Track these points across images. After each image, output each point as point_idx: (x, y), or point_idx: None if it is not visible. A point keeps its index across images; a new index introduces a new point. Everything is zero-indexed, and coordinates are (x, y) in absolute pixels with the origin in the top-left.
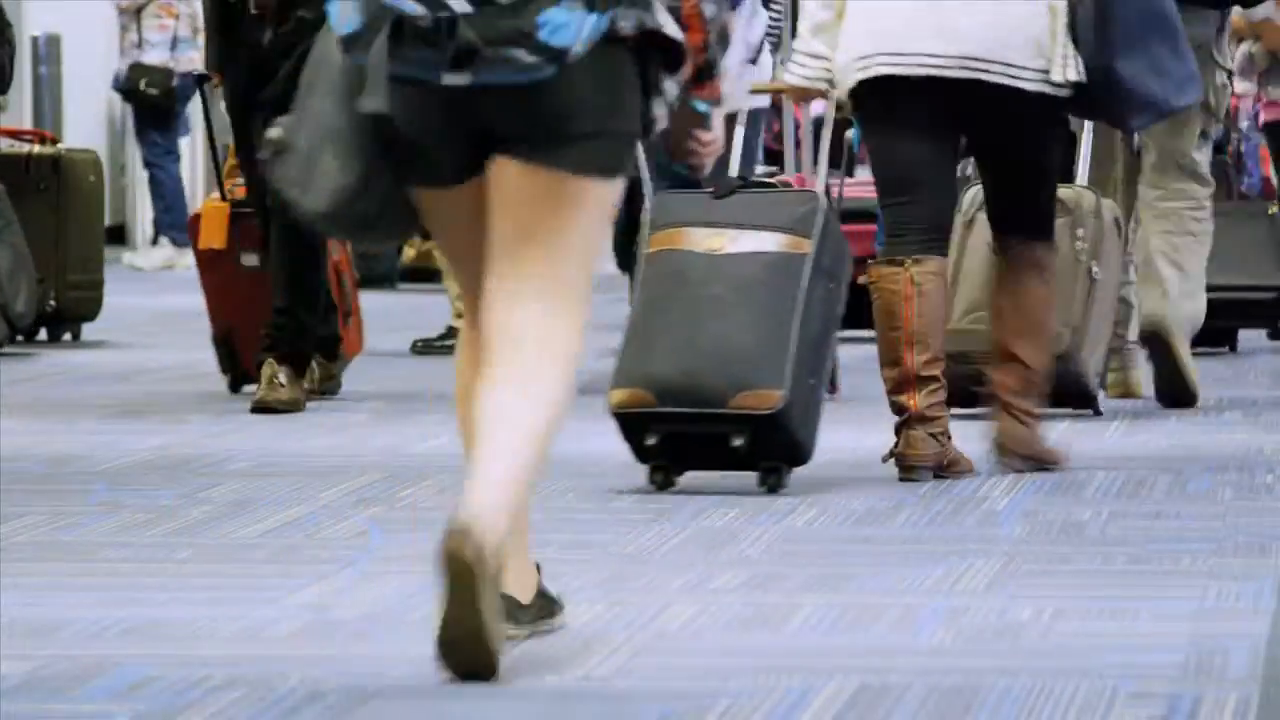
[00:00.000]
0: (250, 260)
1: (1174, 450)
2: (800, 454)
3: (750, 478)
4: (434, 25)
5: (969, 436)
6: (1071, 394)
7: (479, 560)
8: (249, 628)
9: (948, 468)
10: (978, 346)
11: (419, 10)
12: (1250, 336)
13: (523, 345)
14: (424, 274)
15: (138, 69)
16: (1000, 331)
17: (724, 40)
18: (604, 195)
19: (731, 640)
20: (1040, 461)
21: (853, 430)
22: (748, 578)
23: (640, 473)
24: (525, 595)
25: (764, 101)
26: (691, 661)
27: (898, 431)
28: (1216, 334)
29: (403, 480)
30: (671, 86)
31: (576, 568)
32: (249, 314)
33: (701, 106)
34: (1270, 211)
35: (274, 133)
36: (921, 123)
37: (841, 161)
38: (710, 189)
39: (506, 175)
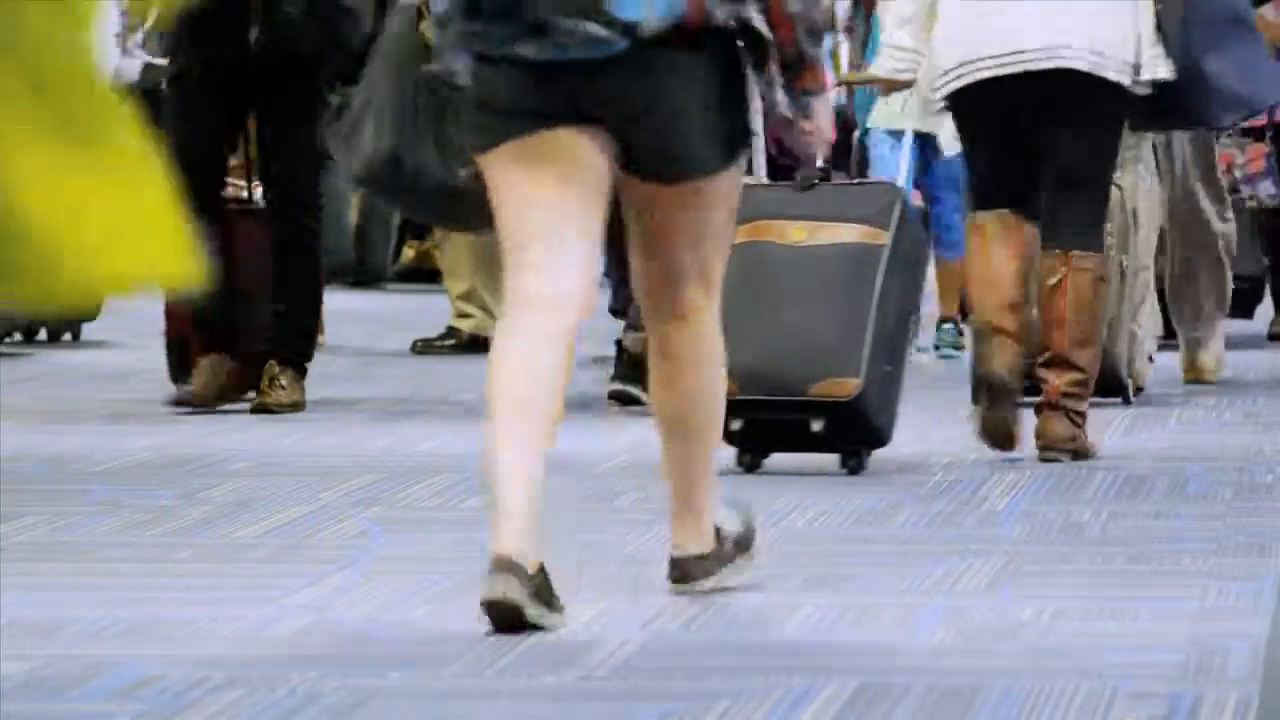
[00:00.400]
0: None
1: (1174, 450)
2: (878, 438)
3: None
4: (514, 1)
5: (1026, 418)
6: (1104, 384)
7: (520, 596)
8: (249, 628)
9: (1080, 450)
10: None
11: None
12: (1249, 337)
13: (671, 322)
14: (423, 274)
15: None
16: (1056, 335)
17: (813, 34)
18: (729, 181)
19: (731, 640)
20: (1082, 454)
21: None
22: (748, 578)
23: (640, 472)
24: (706, 546)
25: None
26: (691, 661)
27: (1038, 412)
28: None
29: (403, 480)
30: (772, 76)
31: (577, 568)
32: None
33: (792, 99)
34: (1248, 205)
35: (339, 97)
36: (1012, 124)
37: (850, 163)
38: (792, 183)
39: (638, 192)
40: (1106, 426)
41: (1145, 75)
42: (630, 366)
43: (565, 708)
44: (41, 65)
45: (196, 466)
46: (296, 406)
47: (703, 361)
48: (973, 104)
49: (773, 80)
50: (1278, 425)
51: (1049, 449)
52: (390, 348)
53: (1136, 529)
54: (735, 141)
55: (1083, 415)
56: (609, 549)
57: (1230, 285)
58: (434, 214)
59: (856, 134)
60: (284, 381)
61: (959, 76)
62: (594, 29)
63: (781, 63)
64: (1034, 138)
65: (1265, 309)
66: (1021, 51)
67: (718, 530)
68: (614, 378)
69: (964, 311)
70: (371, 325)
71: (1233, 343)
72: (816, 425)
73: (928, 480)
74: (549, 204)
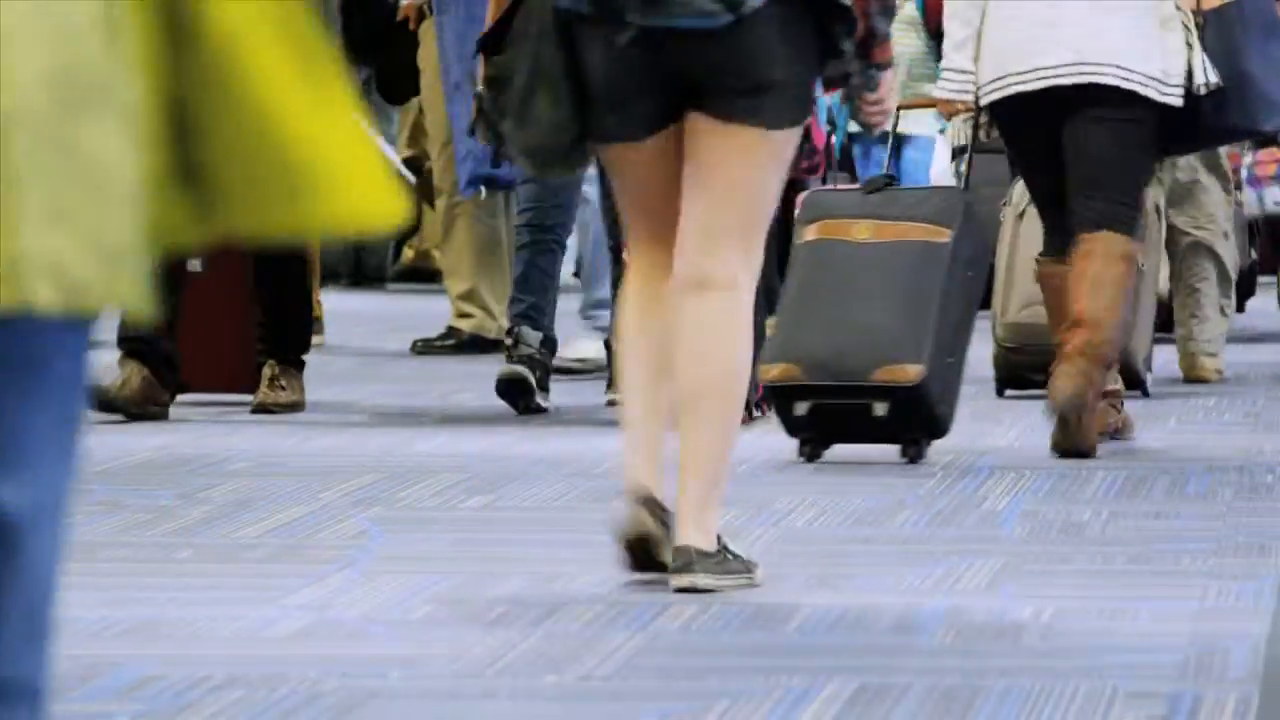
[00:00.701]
0: (195, 266)
1: (1174, 450)
2: (939, 427)
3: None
4: None
5: (1027, 416)
6: (1124, 377)
7: (648, 532)
8: (249, 628)
9: (1119, 431)
10: (1034, 339)
11: None
12: (1249, 336)
13: (710, 293)
14: (423, 274)
15: None
16: (1080, 303)
17: (887, 11)
18: (788, 142)
19: (731, 640)
20: (1118, 434)
21: None
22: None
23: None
24: (711, 544)
25: None
26: (691, 661)
27: (1052, 370)
28: None
29: (403, 480)
30: (849, 46)
31: (577, 568)
32: (190, 318)
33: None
34: (1237, 200)
35: (491, 70)
36: (1043, 135)
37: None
38: (860, 185)
39: (700, 130)
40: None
41: (1198, 79)
42: (524, 359)
43: (565, 708)
44: (289, 23)
45: (196, 466)
46: (296, 407)
47: (734, 343)
48: (1013, 117)
49: (846, 52)
50: (1278, 425)
51: (1058, 403)
52: (390, 348)
53: (1136, 529)
54: (801, 104)
55: (1119, 396)
56: (609, 549)
57: (1234, 278)
58: (579, 167)
59: (832, 139)
60: (284, 382)
61: (998, 89)
62: (704, 3)
63: (861, 35)
64: (1056, 154)
65: (1255, 303)
66: (1053, 67)
67: (719, 537)
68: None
69: None
70: (371, 325)
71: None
72: (880, 410)
73: (928, 480)
74: (651, 197)
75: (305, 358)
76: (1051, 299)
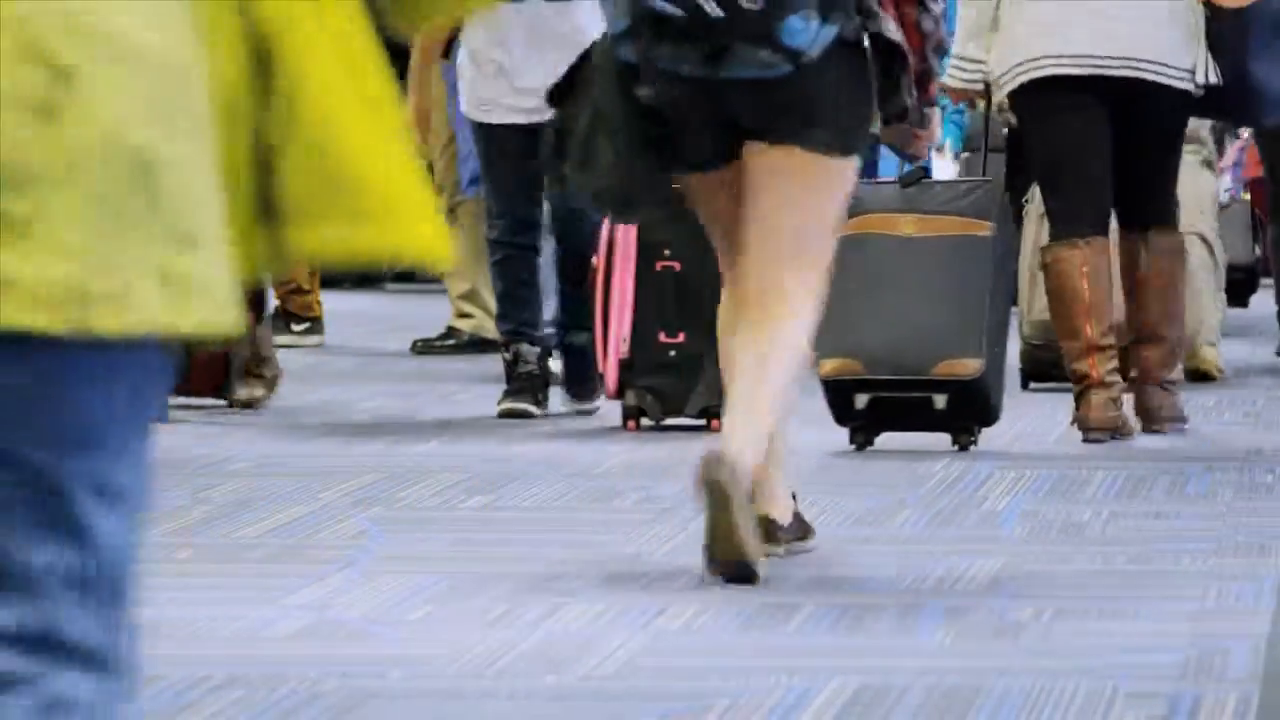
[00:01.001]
0: None
1: (1174, 450)
2: (992, 415)
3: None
4: (691, 26)
5: (1038, 408)
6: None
7: (733, 482)
8: (249, 628)
9: (1119, 429)
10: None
11: (679, 12)
12: (1249, 337)
13: (770, 301)
14: (422, 275)
15: None
16: (1144, 313)
17: (939, 51)
18: (843, 171)
19: (731, 640)
20: (1181, 422)
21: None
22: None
23: (640, 472)
24: (784, 518)
25: None
26: (691, 661)
27: (1078, 399)
28: None
29: (403, 480)
30: (908, 82)
31: (577, 568)
32: None
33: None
34: (1240, 199)
35: (556, 120)
36: (1083, 117)
37: None
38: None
39: (758, 156)
40: None
41: (1199, 78)
42: (521, 379)
43: (565, 708)
44: (349, 47)
45: (196, 466)
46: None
47: (790, 341)
48: (1044, 100)
49: (901, 88)
50: (1278, 425)
51: (1152, 422)
52: (390, 348)
53: (1136, 529)
54: (857, 137)
55: (1174, 382)
56: (609, 549)
57: (1223, 266)
58: (658, 217)
59: None
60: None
61: (1026, 71)
62: (765, 55)
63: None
64: (1101, 138)
65: (1259, 298)
66: (1103, 58)
67: (795, 496)
68: (506, 395)
69: None
70: (371, 325)
71: (1229, 330)
72: (940, 402)
73: (928, 480)
74: (728, 217)
75: (275, 356)
76: (1058, 282)
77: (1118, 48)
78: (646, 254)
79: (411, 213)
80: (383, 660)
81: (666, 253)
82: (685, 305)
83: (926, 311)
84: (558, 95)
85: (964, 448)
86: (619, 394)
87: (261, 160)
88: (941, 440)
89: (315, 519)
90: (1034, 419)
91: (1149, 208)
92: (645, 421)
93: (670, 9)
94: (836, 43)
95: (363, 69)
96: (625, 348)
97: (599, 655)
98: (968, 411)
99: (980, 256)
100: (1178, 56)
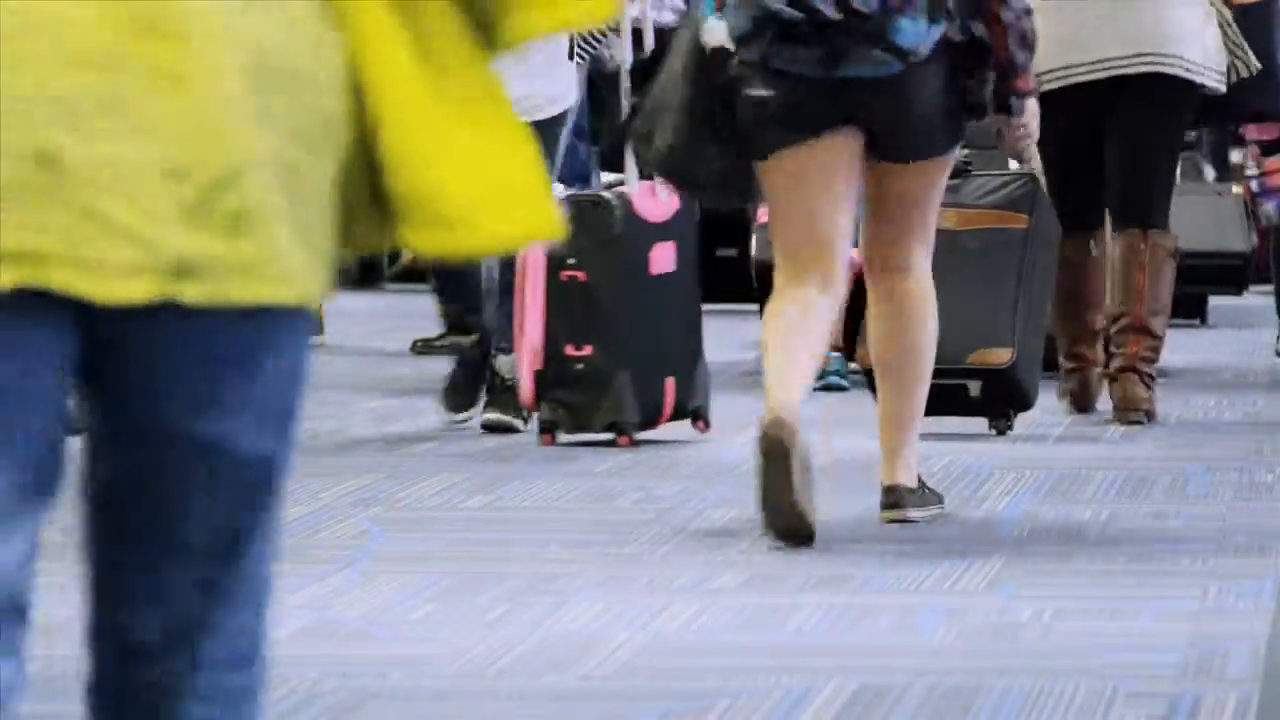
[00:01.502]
0: None
1: (1174, 450)
2: (1026, 402)
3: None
4: (811, 29)
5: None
6: None
7: (792, 441)
8: None
9: (1150, 412)
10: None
11: (799, 16)
12: (1251, 338)
13: (896, 277)
14: (423, 274)
15: None
16: (1136, 305)
17: (1023, 43)
18: (953, 157)
19: (731, 640)
20: (1153, 419)
21: (855, 431)
22: (748, 578)
23: (640, 472)
24: (913, 482)
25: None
26: (691, 661)
27: (1115, 377)
28: (1188, 302)
29: (403, 480)
30: (986, 77)
31: (576, 568)
32: None
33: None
34: (1234, 190)
35: (635, 98)
36: (1088, 116)
37: None
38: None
39: (888, 171)
40: (1107, 426)
41: (1223, 74)
42: (504, 392)
43: (565, 708)
44: (433, 46)
45: None
46: None
47: (923, 317)
48: (1066, 107)
49: (985, 82)
50: (1278, 425)
51: (1129, 410)
52: (390, 348)
53: (1136, 529)
54: (960, 126)
55: (1153, 378)
56: (609, 549)
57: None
58: (712, 196)
59: None
60: None
61: (1057, 80)
62: (879, 54)
63: (996, 68)
64: (1099, 138)
65: (1255, 287)
66: (1119, 58)
67: (919, 476)
68: (488, 405)
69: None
70: (371, 325)
71: (1224, 319)
72: (974, 390)
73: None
74: (813, 215)
75: None
76: (1072, 282)
77: (1131, 46)
78: (552, 264)
79: (492, 214)
80: (383, 660)
81: (570, 262)
82: (592, 317)
83: (962, 303)
84: (640, 75)
85: (1001, 432)
86: (535, 406)
87: (367, 160)
88: (942, 440)
89: (315, 519)
90: (1034, 418)
91: (1149, 208)
92: (562, 437)
93: (790, 12)
94: (941, 43)
95: (446, 67)
96: (539, 359)
97: (599, 655)
98: (1002, 398)
99: (1015, 249)
100: (1198, 52)
